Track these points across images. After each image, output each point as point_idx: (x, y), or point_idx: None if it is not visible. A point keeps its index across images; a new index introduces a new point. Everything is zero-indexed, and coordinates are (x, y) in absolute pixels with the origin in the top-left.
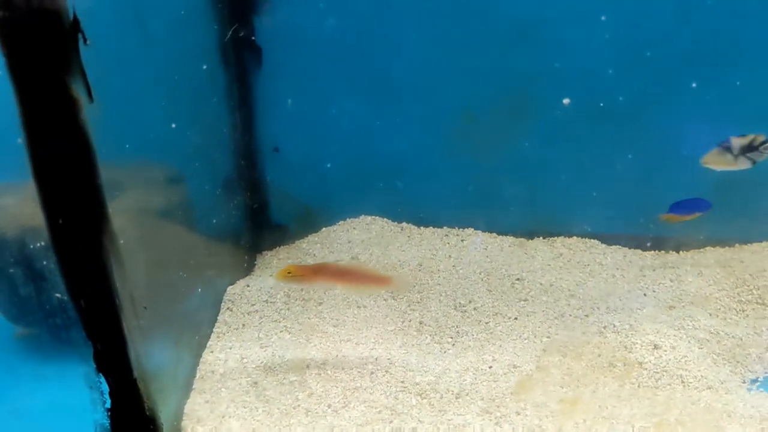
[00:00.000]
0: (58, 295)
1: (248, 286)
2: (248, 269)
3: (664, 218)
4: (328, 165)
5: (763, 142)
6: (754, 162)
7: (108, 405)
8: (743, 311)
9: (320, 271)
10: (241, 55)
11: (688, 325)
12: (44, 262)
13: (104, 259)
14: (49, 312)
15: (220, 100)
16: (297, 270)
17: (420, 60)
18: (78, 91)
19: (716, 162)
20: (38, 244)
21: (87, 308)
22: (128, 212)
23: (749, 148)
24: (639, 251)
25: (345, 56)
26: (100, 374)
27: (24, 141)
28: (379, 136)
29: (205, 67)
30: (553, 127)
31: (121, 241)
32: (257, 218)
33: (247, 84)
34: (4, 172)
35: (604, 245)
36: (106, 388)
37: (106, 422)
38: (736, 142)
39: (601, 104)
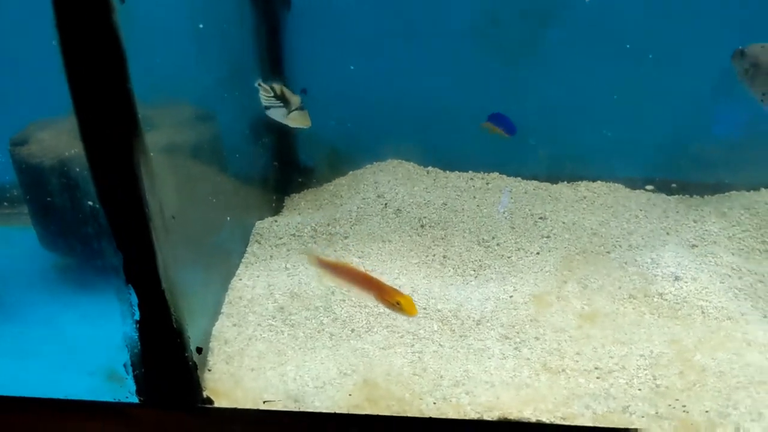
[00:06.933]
0: (90, 203)
1: (276, 221)
2: (276, 210)
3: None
4: (356, 108)
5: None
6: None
7: (137, 317)
8: (766, 251)
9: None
10: None
11: (710, 261)
12: (80, 188)
13: (135, 166)
14: (82, 220)
15: (248, 41)
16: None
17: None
18: None
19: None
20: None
21: (117, 216)
22: (159, 144)
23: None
24: (663, 195)
25: None
26: (130, 286)
27: (58, 42)
28: (407, 79)
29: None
30: (576, 72)
31: (152, 154)
32: (285, 160)
33: (276, 25)
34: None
35: (628, 189)
36: (135, 300)
37: (135, 334)
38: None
39: (628, 45)
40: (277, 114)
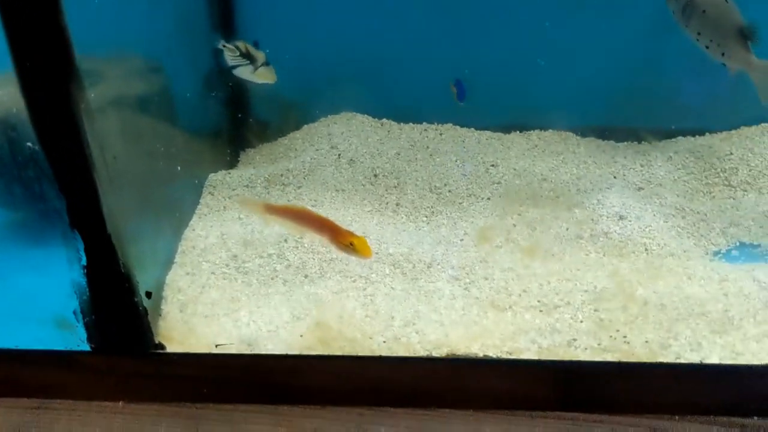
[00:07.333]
0: (29, 144)
1: (229, 173)
2: (231, 164)
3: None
4: (310, 61)
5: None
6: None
7: (83, 262)
8: (710, 192)
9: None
10: None
11: (655, 202)
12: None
13: (72, 104)
14: (22, 165)
15: None
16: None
17: None
18: None
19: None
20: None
21: (57, 157)
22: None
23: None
24: (612, 142)
25: None
26: (75, 230)
27: None
28: (359, 32)
29: None
30: (527, 22)
31: (92, 95)
32: (239, 115)
33: None
34: None
35: (578, 137)
36: (81, 245)
37: (83, 280)
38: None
39: None
40: (244, 72)
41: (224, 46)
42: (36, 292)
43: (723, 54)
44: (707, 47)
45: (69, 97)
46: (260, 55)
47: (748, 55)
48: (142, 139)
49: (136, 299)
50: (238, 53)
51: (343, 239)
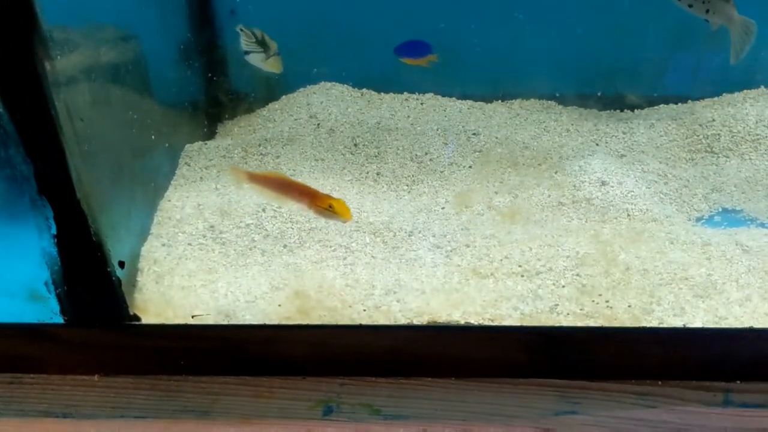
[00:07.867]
0: None
1: (206, 144)
2: (208, 135)
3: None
4: (289, 30)
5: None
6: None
7: (53, 231)
8: (692, 159)
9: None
10: None
11: (637, 169)
12: None
13: (37, 65)
14: None
15: None
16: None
17: None
18: None
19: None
20: None
21: (22, 118)
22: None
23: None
24: (595, 110)
25: None
26: (44, 197)
27: None
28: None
29: None
30: None
31: (61, 60)
32: (216, 84)
33: None
34: None
35: (560, 106)
36: (50, 213)
37: (53, 249)
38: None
39: None
40: (255, 59)
41: (241, 29)
42: (5, 263)
43: (708, 11)
44: (690, 6)
45: (34, 57)
46: (273, 45)
47: (732, 11)
48: (115, 108)
49: (108, 269)
50: (253, 39)
51: (321, 202)
